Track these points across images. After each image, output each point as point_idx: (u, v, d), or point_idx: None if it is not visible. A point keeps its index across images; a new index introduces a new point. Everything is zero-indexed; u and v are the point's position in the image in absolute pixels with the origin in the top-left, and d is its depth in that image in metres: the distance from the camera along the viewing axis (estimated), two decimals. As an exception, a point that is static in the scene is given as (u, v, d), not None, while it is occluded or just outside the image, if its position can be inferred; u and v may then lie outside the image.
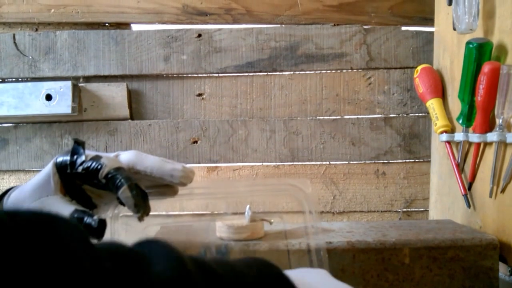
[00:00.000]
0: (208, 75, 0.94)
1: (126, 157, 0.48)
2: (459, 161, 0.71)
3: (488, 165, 0.63)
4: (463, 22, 0.63)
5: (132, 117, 0.94)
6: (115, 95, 0.92)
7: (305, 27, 0.93)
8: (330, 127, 0.93)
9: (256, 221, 0.56)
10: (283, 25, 0.93)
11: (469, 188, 0.68)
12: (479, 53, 0.63)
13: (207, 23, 0.93)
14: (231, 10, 0.93)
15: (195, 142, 0.93)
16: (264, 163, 0.93)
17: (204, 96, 0.94)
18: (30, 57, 0.92)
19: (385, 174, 0.93)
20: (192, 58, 0.93)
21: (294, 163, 0.93)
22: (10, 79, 0.93)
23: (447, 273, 0.54)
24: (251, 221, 0.56)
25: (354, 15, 0.93)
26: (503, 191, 0.60)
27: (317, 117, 0.93)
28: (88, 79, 0.93)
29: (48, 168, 0.47)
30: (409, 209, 0.93)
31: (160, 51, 0.92)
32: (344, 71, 0.93)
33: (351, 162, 0.93)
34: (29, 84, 0.89)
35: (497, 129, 0.60)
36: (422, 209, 0.93)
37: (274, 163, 0.93)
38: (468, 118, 0.68)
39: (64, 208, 0.45)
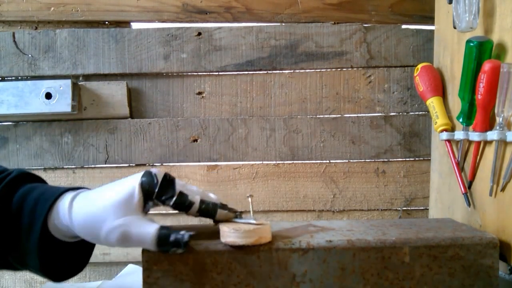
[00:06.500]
0: (208, 73, 0.94)
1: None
2: (459, 160, 0.71)
3: (488, 164, 0.63)
4: (463, 21, 0.63)
5: (132, 116, 0.94)
6: (115, 94, 0.92)
7: (305, 26, 0.93)
8: (330, 126, 0.93)
9: (264, 224, 0.54)
10: (283, 24, 0.93)
11: (469, 187, 0.68)
12: (479, 51, 0.63)
13: (207, 21, 0.93)
14: (231, 8, 0.93)
15: (195, 140, 0.93)
16: (264, 162, 0.93)
17: (204, 95, 0.94)
18: (30, 55, 0.92)
19: (385, 172, 0.93)
20: (192, 56, 0.93)
21: (294, 161, 0.93)
22: (10, 78, 0.93)
23: (447, 271, 0.54)
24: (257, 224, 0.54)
25: (354, 13, 0.93)
26: (503, 189, 0.60)
27: (317, 116, 0.93)
28: (88, 77, 0.93)
29: (133, 190, 0.51)
30: (409, 208, 0.93)
31: (160, 49, 0.92)
32: (344, 69, 0.93)
33: (351, 160, 0.93)
34: (29, 82, 0.89)
35: (497, 127, 0.60)
36: (422, 208, 0.93)
37: (274, 162, 0.93)
38: (468, 116, 0.68)
39: (150, 226, 0.50)
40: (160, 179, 0.52)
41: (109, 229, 0.49)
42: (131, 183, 0.51)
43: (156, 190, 0.51)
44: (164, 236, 0.50)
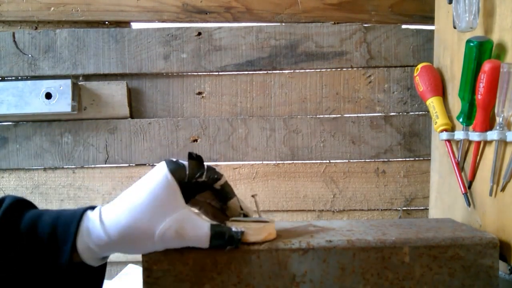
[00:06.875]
0: (208, 73, 0.94)
1: None
2: (459, 160, 0.71)
3: (488, 164, 0.63)
4: (463, 21, 0.63)
5: (132, 116, 0.94)
6: (115, 94, 0.92)
7: (305, 26, 0.93)
8: (330, 126, 0.93)
9: (270, 222, 0.55)
10: (283, 24, 0.93)
11: (469, 187, 0.68)
12: (479, 51, 0.63)
13: (207, 21, 0.93)
14: (231, 8, 0.93)
15: (195, 140, 0.93)
16: (264, 162, 0.93)
17: (204, 95, 0.94)
18: (30, 55, 0.92)
19: (385, 172, 0.93)
20: (192, 56, 0.93)
21: (294, 161, 0.93)
22: (10, 78, 0.93)
23: (447, 271, 0.54)
24: (260, 222, 0.55)
25: (354, 13, 0.93)
26: (503, 189, 0.60)
27: (317, 116, 0.93)
28: (88, 77, 0.93)
29: (166, 179, 0.48)
30: (409, 208, 0.93)
31: (160, 49, 0.92)
32: (344, 69, 0.93)
33: (351, 160, 0.93)
34: (29, 82, 0.89)
35: (497, 127, 0.60)
36: (422, 208, 0.93)
37: (274, 162, 0.93)
38: (468, 116, 0.68)
39: (202, 222, 0.49)
40: (185, 162, 0.51)
41: (164, 229, 0.47)
42: (160, 175, 0.49)
43: (188, 172, 0.50)
44: (219, 234, 0.49)
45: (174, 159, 0.51)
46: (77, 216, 0.47)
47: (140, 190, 0.48)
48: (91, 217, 0.47)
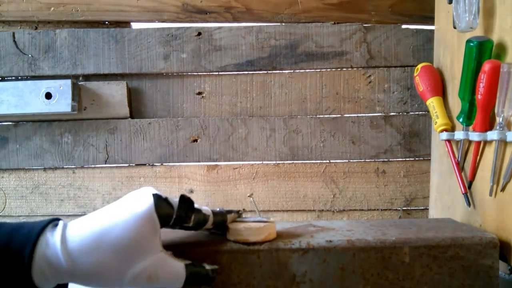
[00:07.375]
0: (208, 73, 0.94)
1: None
2: (459, 160, 0.71)
3: (488, 164, 0.63)
4: (463, 21, 0.63)
5: (132, 116, 0.94)
6: (115, 94, 0.92)
7: (305, 25, 0.93)
8: (330, 126, 0.93)
9: (270, 222, 0.55)
10: (283, 23, 0.93)
11: (469, 187, 0.68)
12: (479, 51, 0.63)
13: (207, 21, 0.93)
14: (231, 8, 0.93)
15: (195, 140, 0.93)
16: (264, 162, 0.93)
17: (204, 95, 0.94)
18: (30, 55, 0.92)
19: (385, 172, 0.93)
20: (192, 56, 0.93)
21: (294, 161, 0.93)
22: (10, 78, 0.93)
23: (447, 271, 0.54)
24: (260, 222, 0.55)
25: (354, 13, 0.93)
26: (503, 189, 0.60)
27: (317, 116, 0.93)
28: (88, 77, 0.93)
29: (152, 223, 0.44)
30: (409, 208, 0.93)
31: (160, 49, 0.92)
32: (344, 69, 0.93)
33: (351, 160, 0.93)
34: (29, 82, 0.89)
35: (497, 127, 0.60)
36: (422, 208, 0.93)
37: (274, 162, 0.93)
38: (468, 116, 0.68)
39: (176, 264, 0.47)
40: (175, 204, 0.47)
41: (137, 272, 0.43)
42: (144, 210, 0.44)
43: (175, 215, 0.47)
44: (194, 275, 0.48)
45: (164, 196, 0.46)
46: (33, 236, 0.42)
47: (119, 222, 0.44)
48: (52, 241, 0.42)
